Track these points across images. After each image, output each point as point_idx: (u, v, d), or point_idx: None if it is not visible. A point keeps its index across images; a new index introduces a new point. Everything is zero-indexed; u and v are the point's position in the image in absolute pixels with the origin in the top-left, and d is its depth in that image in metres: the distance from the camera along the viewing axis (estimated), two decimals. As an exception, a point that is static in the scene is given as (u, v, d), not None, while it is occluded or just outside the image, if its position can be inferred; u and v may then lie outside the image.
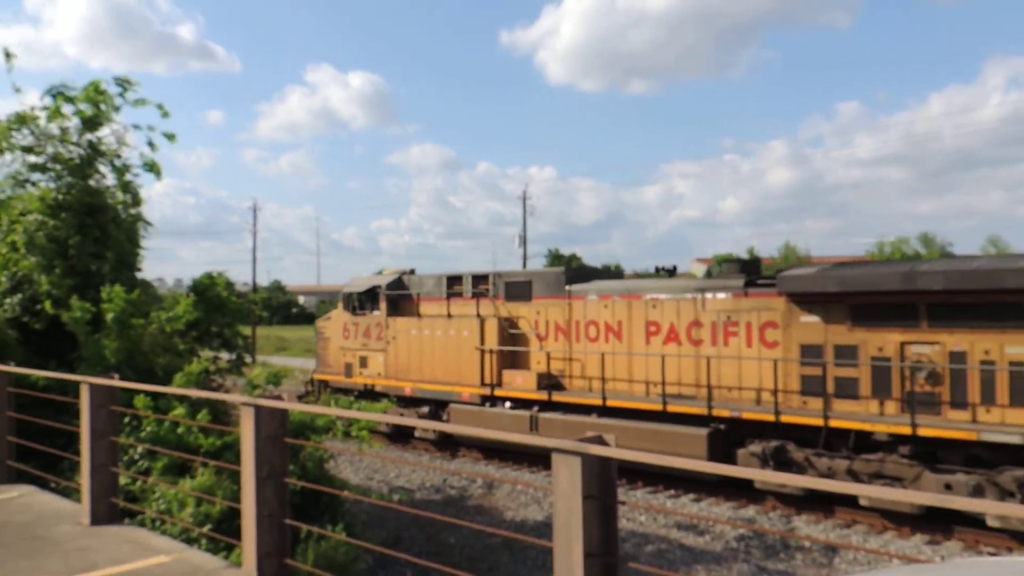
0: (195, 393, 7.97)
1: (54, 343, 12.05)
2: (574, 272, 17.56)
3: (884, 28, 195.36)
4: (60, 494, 7.50)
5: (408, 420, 4.52)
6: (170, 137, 13.68)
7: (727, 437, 14.07)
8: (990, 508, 2.52)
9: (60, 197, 12.69)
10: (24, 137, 13.05)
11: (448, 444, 18.81)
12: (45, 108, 13.01)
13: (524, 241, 52.02)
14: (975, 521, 11.79)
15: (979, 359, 11.73)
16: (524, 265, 51.20)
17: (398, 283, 20.39)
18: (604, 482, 3.45)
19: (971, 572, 1.89)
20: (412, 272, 20.81)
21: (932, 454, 12.07)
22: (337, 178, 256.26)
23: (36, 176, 13.33)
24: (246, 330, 15.40)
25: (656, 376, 14.95)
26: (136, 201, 13.72)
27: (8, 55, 13.45)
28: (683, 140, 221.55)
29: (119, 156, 13.54)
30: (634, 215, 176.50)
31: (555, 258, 69.68)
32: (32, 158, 13.23)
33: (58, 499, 7.18)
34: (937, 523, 12.07)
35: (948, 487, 11.64)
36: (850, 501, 12.70)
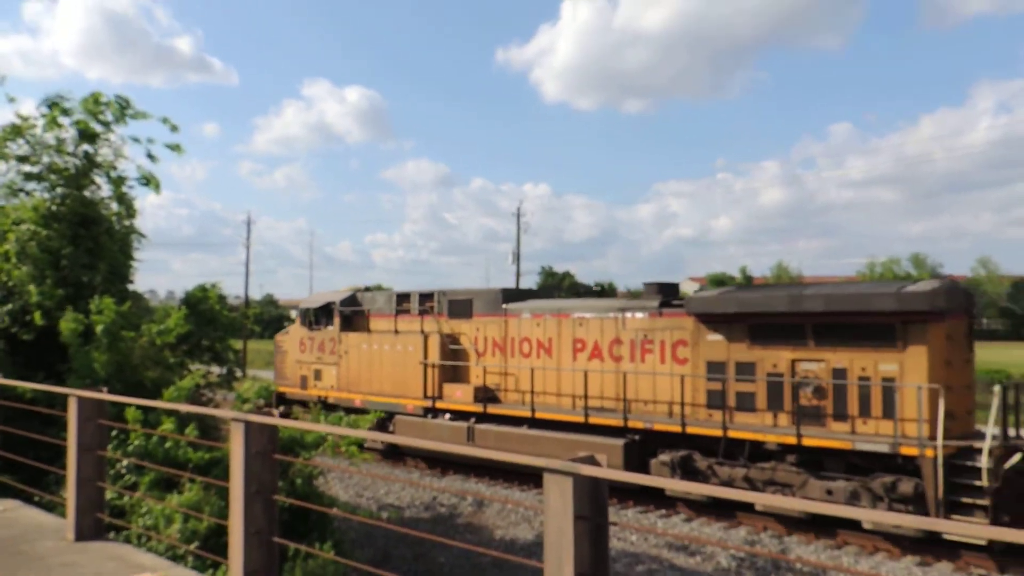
0: (185, 408, 7.90)
1: (43, 354, 11.95)
2: (511, 292, 18.71)
3: (875, 51, 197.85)
4: (45, 508, 7.40)
5: (384, 435, 4.51)
6: (175, 148, 13.60)
7: (641, 447, 14.98)
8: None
9: (54, 207, 12.64)
10: (19, 147, 13.02)
11: (395, 454, 19.77)
12: (42, 116, 12.98)
13: (518, 258, 52.11)
14: (855, 524, 12.63)
15: (857, 375, 12.81)
16: (517, 282, 51.23)
17: (351, 300, 21.38)
18: (595, 502, 3.43)
19: None
20: (366, 289, 21.90)
21: (818, 462, 13.04)
22: (331, 192, 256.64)
23: (30, 185, 13.28)
24: (237, 344, 15.35)
25: (580, 390, 15.97)
26: (130, 213, 13.68)
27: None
28: (677, 159, 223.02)
29: (115, 168, 13.51)
30: (628, 233, 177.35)
31: (548, 275, 69.74)
32: (27, 167, 13.18)
33: (42, 514, 7.09)
34: (823, 527, 12.99)
35: (830, 492, 12.61)
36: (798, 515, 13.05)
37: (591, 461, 3.44)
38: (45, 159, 13.13)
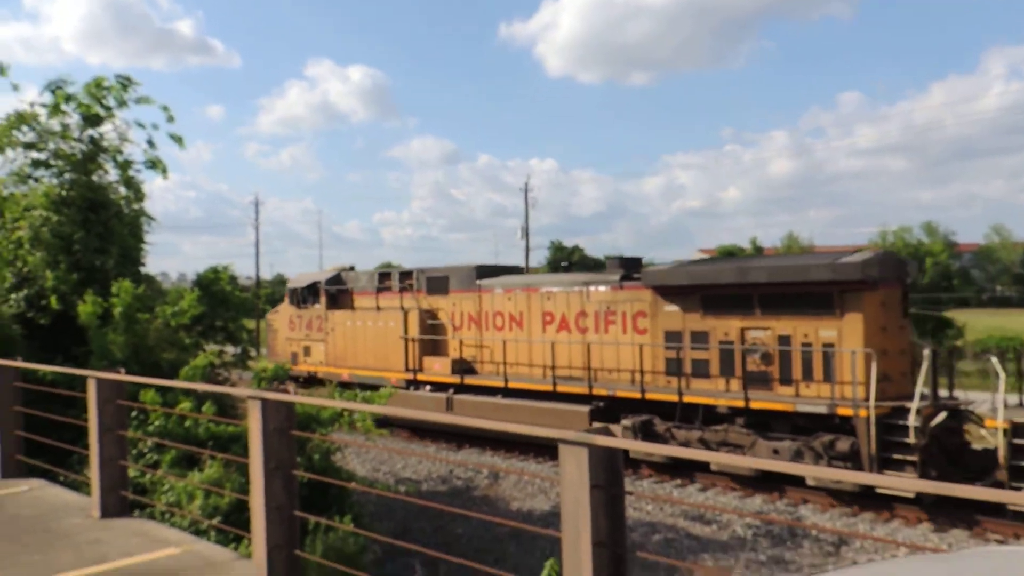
0: (201, 387, 7.99)
1: (59, 338, 12.09)
2: (485, 269, 19.40)
3: (885, 18, 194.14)
4: (70, 488, 7.53)
5: (397, 410, 4.55)
6: (178, 140, 13.62)
7: (606, 413, 15.62)
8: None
9: (63, 193, 12.70)
10: (25, 134, 13.05)
11: (385, 424, 20.34)
12: (44, 106, 12.99)
13: (526, 233, 51.95)
14: (800, 480, 13.45)
15: (800, 342, 13.61)
16: (527, 257, 51.16)
17: (336, 279, 22.23)
18: (611, 472, 3.46)
19: (980, 562, 1.89)
20: (352, 269, 22.75)
21: (766, 424, 13.79)
22: (338, 171, 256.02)
23: (39, 172, 13.33)
24: (250, 323, 15.61)
25: (549, 361, 16.77)
26: (138, 196, 13.72)
27: (2, 70, 13.41)
28: (684, 131, 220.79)
29: (121, 152, 13.54)
30: (636, 206, 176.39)
31: (557, 249, 69.58)
32: (34, 154, 13.23)
33: (68, 492, 7.22)
34: (770, 483, 13.80)
35: (776, 452, 13.35)
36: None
37: (606, 432, 3.46)
38: (51, 145, 13.17)
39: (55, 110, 12.92)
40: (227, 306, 13.21)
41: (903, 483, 2.83)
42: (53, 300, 11.87)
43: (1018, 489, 11.24)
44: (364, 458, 17.81)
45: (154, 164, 13.69)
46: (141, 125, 13.66)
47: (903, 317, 13.78)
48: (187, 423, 9.73)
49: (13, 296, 12.35)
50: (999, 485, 11.55)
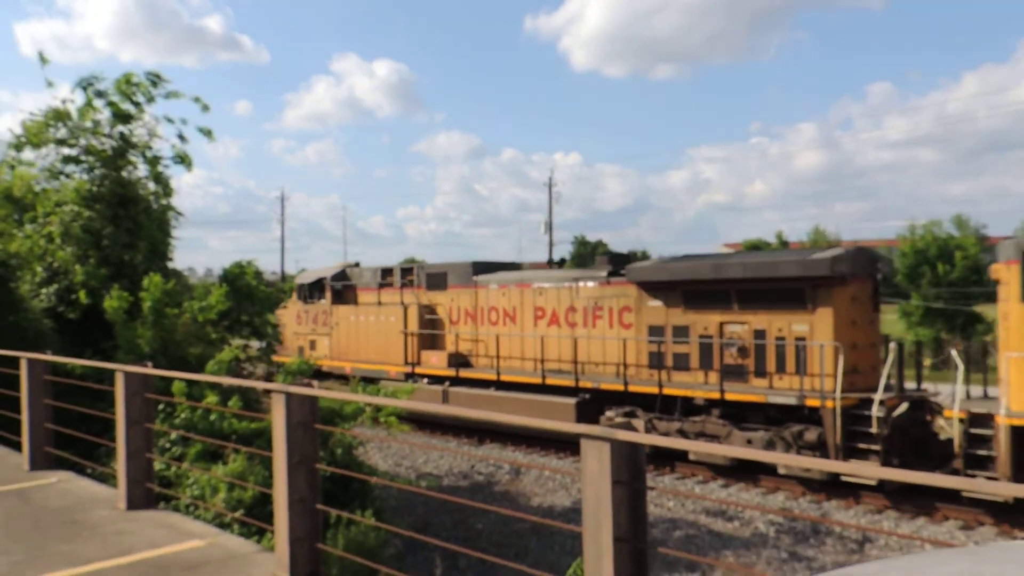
0: (227, 380, 8.08)
1: (88, 332, 12.29)
2: (481, 265, 19.79)
3: (918, 7, 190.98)
4: (97, 480, 7.66)
5: (424, 405, 4.56)
6: (207, 133, 13.78)
7: (592, 405, 16.08)
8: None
9: (94, 188, 12.89)
10: (58, 130, 13.26)
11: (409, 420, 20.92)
12: (73, 102, 13.19)
13: (550, 228, 51.86)
14: (774, 469, 13.90)
15: (775, 335, 13.99)
16: (550, 252, 51.08)
17: (342, 275, 22.85)
18: (633, 468, 3.44)
19: (1005, 555, 1.87)
20: (356, 265, 23.39)
21: (742, 415, 14.21)
22: (363, 167, 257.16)
23: (70, 168, 13.55)
24: (274, 319, 15.91)
25: (540, 354, 17.23)
26: (167, 192, 13.91)
27: (43, 59, 13.66)
28: (710, 124, 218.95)
29: (150, 148, 13.72)
30: (661, 200, 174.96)
31: (581, 244, 69.37)
32: (65, 150, 13.45)
33: (95, 484, 7.33)
34: (746, 472, 14.27)
35: (749, 442, 13.75)
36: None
37: (628, 427, 3.44)
38: (82, 142, 13.37)
39: (86, 108, 13.12)
40: (252, 301, 13.35)
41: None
42: (82, 294, 12.07)
43: (972, 476, 11.42)
44: (386, 452, 17.92)
45: (182, 159, 13.86)
46: (170, 120, 13.84)
47: (874, 311, 14.22)
48: (212, 416, 9.84)
49: (44, 291, 12.57)
50: (955, 472, 11.82)
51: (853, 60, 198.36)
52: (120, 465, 6.36)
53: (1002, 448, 11.24)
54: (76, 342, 12.11)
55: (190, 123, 13.88)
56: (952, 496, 12.06)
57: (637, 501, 3.45)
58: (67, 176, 13.55)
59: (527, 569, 4.19)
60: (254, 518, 7.10)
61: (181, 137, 13.69)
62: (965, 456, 11.82)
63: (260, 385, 6.40)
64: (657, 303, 15.54)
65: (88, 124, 13.30)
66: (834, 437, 12.72)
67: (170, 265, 13.87)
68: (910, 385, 14.29)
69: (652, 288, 15.60)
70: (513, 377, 17.65)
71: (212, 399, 9.82)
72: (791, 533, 12.07)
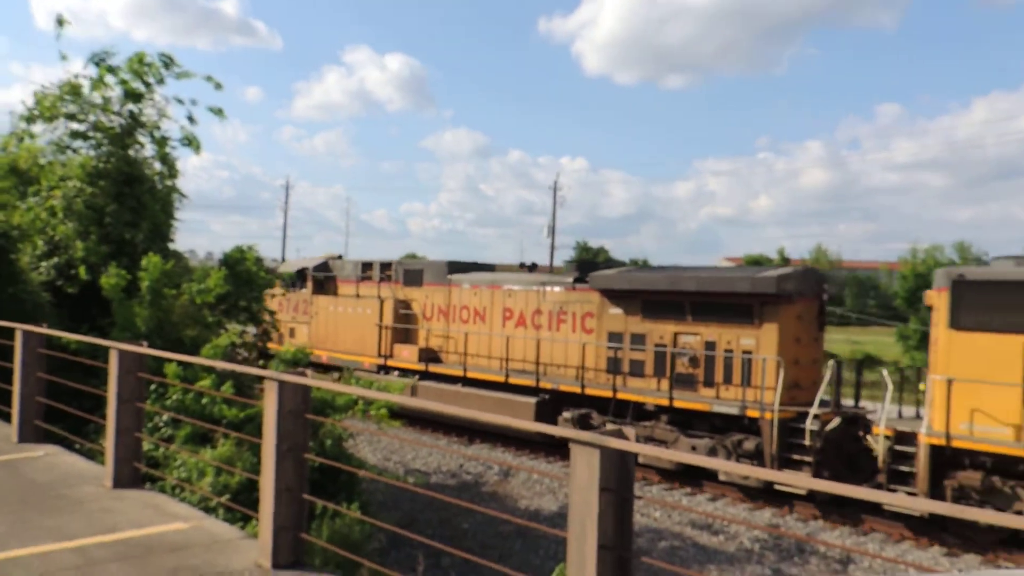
0: (221, 365, 8.05)
1: (86, 308, 12.27)
2: (456, 264, 20.46)
3: (930, 31, 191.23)
4: (84, 456, 7.65)
5: (420, 402, 4.56)
6: (218, 112, 13.76)
7: (551, 405, 16.68)
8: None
9: (99, 165, 12.87)
10: (68, 105, 13.24)
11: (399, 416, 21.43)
12: (88, 78, 13.16)
13: (553, 232, 51.90)
14: (715, 475, 14.53)
15: (724, 347, 14.68)
16: (552, 256, 51.11)
17: (324, 266, 23.44)
18: (621, 476, 3.43)
19: None
20: (339, 257, 24.06)
21: (689, 422, 14.93)
22: (370, 159, 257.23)
23: (77, 143, 13.52)
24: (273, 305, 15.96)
25: (505, 353, 17.92)
26: (172, 173, 13.88)
27: (61, 22, 13.60)
28: (718, 137, 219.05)
29: (159, 128, 13.69)
30: (665, 210, 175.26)
31: (583, 250, 69.43)
32: (74, 125, 13.42)
33: (82, 460, 7.33)
34: (691, 478, 14.98)
35: (694, 448, 14.40)
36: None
37: (619, 435, 3.44)
38: (91, 118, 13.35)
39: (98, 83, 13.09)
40: (251, 286, 13.33)
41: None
42: (82, 270, 12.05)
43: (894, 491, 11.90)
44: (375, 446, 17.90)
45: (189, 141, 13.83)
46: (180, 101, 13.78)
47: (819, 330, 14.91)
48: (204, 400, 9.82)
49: (44, 264, 12.55)
50: (879, 487, 12.26)
51: (863, 79, 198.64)
52: (109, 443, 6.36)
53: (921, 464, 11.84)
54: (74, 317, 12.10)
55: (201, 103, 13.76)
56: (876, 509, 12.68)
57: (624, 509, 3.45)
58: (74, 151, 13.53)
59: (510, 571, 4.18)
60: (240, 504, 7.09)
61: (190, 119, 13.67)
62: (889, 471, 12.37)
63: (254, 371, 6.39)
64: (618, 311, 16.27)
65: (98, 100, 13.28)
66: (771, 447, 13.36)
67: (171, 246, 13.85)
68: (848, 402, 14.89)
69: (614, 296, 16.31)
70: (479, 374, 18.25)
71: (206, 382, 9.81)
72: (776, 550, 12.06)
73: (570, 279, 17.58)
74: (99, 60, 13.03)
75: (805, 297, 14.38)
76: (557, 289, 17.57)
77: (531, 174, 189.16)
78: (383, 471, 15.26)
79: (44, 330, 8.14)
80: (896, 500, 2.75)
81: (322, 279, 23.11)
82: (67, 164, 13.24)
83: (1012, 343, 11.04)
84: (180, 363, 9.41)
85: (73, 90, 13.00)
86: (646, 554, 11.84)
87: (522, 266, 21.56)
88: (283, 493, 4.73)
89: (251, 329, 14.05)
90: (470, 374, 18.37)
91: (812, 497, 13.32)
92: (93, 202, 12.54)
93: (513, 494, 15.02)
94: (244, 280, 13.11)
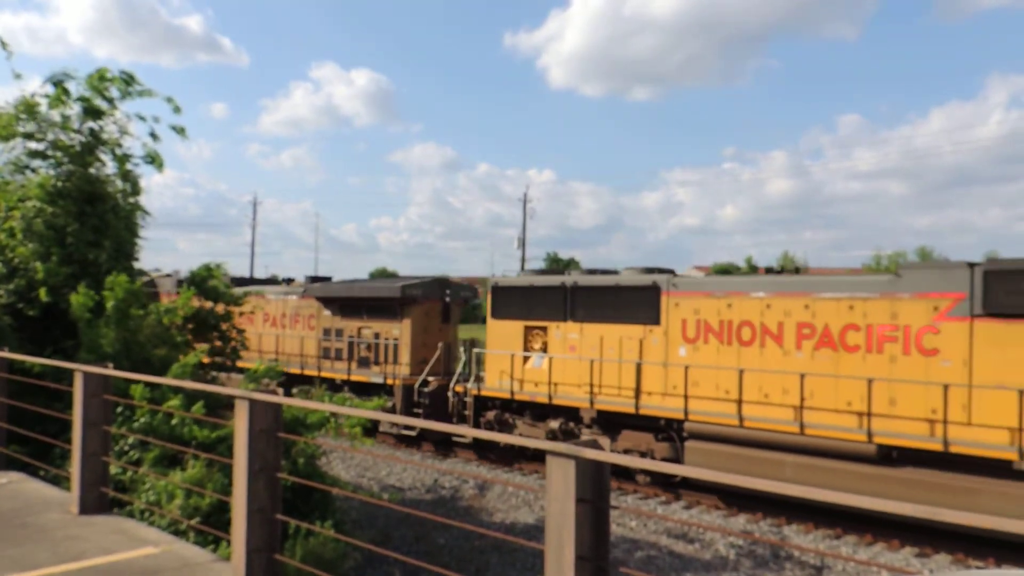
0: (190, 385, 7.92)
1: (48, 330, 12.00)
2: (236, 280, 25.18)
3: (889, 42, 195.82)
4: (50, 482, 7.46)
5: (397, 418, 4.57)
6: (180, 131, 13.57)
7: (289, 385, 20.52)
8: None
9: (59, 184, 12.62)
10: (25, 123, 12.97)
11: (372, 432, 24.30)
12: (46, 96, 12.93)
13: (523, 243, 52.04)
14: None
15: (384, 337, 20.52)
16: (522, 267, 51.16)
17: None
18: (597, 486, 3.44)
19: None
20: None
21: (366, 390, 19.91)
22: (338, 174, 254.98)
23: (36, 163, 13.25)
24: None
25: (283, 348, 23.30)
26: (135, 190, 13.64)
27: (4, 45, 13.32)
28: (684, 148, 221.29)
29: (120, 145, 13.47)
30: (633, 220, 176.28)
31: (553, 261, 69.67)
32: (32, 144, 13.16)
33: (47, 487, 7.15)
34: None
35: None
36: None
37: (594, 445, 3.45)
38: (50, 136, 13.10)
39: (56, 100, 12.85)
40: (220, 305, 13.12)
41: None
42: (43, 292, 11.78)
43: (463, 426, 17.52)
44: (349, 463, 17.72)
45: (152, 159, 13.63)
46: (142, 118, 13.58)
47: (443, 323, 20.90)
48: (173, 421, 9.65)
49: (3, 287, 12.26)
50: (450, 422, 18.13)
51: (825, 90, 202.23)
52: (75, 468, 6.21)
53: (470, 407, 18.06)
54: (36, 340, 11.81)
55: (163, 121, 13.54)
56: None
57: (600, 519, 3.45)
58: (32, 171, 13.25)
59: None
60: (211, 526, 6.97)
61: (153, 136, 13.47)
62: (457, 414, 18.41)
63: (224, 391, 6.30)
64: (328, 312, 22.22)
65: (57, 118, 13.04)
66: (400, 403, 19.34)
67: (136, 265, 13.60)
68: (457, 372, 19.50)
69: (324, 302, 22.35)
70: (293, 369, 22.73)
71: (175, 403, 9.63)
72: (751, 556, 12.15)
73: (301, 290, 23.48)
74: (57, 82, 12.80)
75: (430, 299, 20.59)
76: (293, 298, 23.41)
77: (499, 187, 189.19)
78: (357, 488, 15.10)
79: (6, 354, 7.95)
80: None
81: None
82: (26, 184, 12.96)
83: (517, 327, 17.54)
84: (147, 384, 9.24)
85: (29, 108, 12.75)
86: (623, 564, 11.85)
87: (279, 282, 27.30)
88: (255, 514, 4.66)
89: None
90: (291, 370, 22.49)
91: (422, 436, 19.48)
92: (54, 222, 12.28)
93: (489, 508, 14.95)
94: (212, 298, 12.94)
